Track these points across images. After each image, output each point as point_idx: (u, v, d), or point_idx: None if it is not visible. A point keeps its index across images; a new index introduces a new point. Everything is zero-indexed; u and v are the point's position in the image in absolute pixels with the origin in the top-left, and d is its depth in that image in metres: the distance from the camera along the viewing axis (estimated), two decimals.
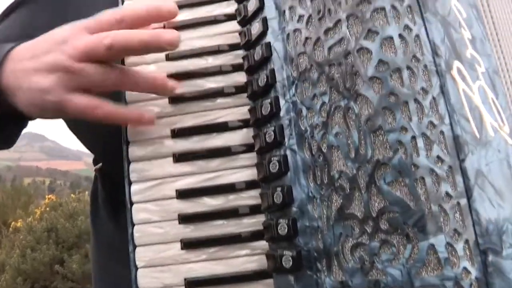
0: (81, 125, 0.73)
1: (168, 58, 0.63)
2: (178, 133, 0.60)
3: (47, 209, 7.44)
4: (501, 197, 0.42)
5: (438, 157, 0.42)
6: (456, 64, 0.45)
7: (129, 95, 0.63)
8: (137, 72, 0.59)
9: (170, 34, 0.55)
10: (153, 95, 0.62)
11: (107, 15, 0.56)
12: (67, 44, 0.55)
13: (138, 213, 0.59)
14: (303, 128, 0.50)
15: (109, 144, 0.68)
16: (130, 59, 0.63)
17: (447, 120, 0.43)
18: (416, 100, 0.43)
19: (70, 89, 0.54)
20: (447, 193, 0.41)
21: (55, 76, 0.54)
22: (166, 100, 0.61)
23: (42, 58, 0.55)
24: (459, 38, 0.46)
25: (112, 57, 0.55)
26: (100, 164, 0.80)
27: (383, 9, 0.46)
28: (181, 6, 0.64)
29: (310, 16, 0.51)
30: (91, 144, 0.76)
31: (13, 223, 8.27)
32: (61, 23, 0.72)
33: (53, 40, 0.56)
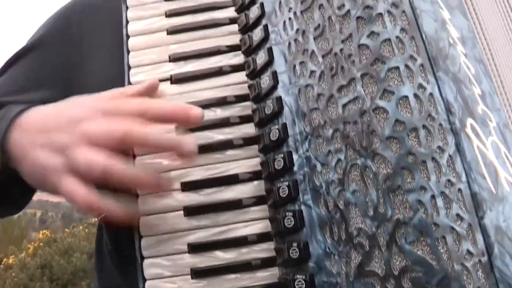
0: None
1: None
2: (188, 187, 0.61)
3: (41, 244, 7.32)
4: None
5: (458, 215, 0.43)
6: (470, 121, 0.46)
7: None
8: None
9: (190, 146, 0.55)
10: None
11: (130, 105, 0.56)
12: (80, 127, 0.54)
13: (149, 268, 0.59)
14: (318, 184, 0.51)
15: None
16: None
17: (464, 178, 0.44)
18: (433, 159, 0.44)
19: (73, 175, 0.53)
20: (468, 251, 0.42)
21: (61, 159, 0.53)
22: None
23: (51, 135, 0.55)
24: (470, 95, 0.48)
25: (123, 147, 0.55)
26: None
27: (397, 68, 0.47)
28: (187, 57, 0.66)
29: (322, 73, 0.52)
30: None
31: (4, 259, 8.07)
32: (67, 74, 0.72)
33: (66, 118, 0.55)
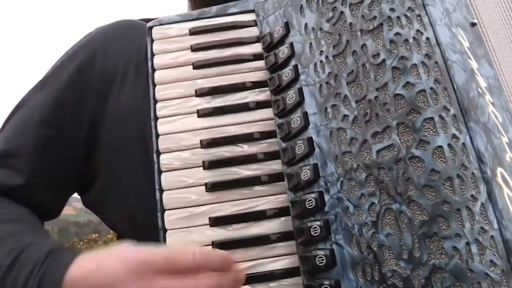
0: (110, 205, 0.74)
1: (203, 146, 0.65)
2: (216, 222, 0.63)
3: None
4: None
5: (492, 261, 0.46)
6: (499, 169, 0.49)
7: (164, 179, 0.65)
8: None
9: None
10: (189, 182, 0.64)
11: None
12: None
13: None
14: (350, 225, 0.54)
15: (137, 218, 0.70)
16: (164, 145, 0.66)
17: (496, 225, 0.47)
18: (467, 208, 0.47)
19: None
20: None
21: None
22: (203, 188, 0.64)
23: None
24: (499, 144, 0.51)
25: None
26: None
27: (432, 119, 0.50)
28: (214, 92, 0.68)
29: (355, 117, 0.55)
30: (119, 220, 0.76)
31: None
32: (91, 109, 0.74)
33: (111, 284, 0.53)
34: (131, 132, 0.73)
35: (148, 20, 0.76)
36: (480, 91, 0.53)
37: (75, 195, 0.81)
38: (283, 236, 0.61)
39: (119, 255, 0.54)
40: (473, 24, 0.57)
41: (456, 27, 0.55)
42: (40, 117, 0.75)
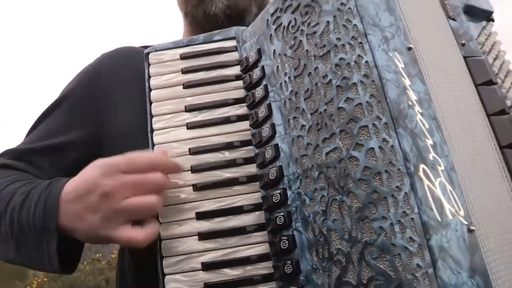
0: None
1: (191, 153, 0.80)
2: (201, 216, 0.77)
3: (45, 279, 7.42)
4: (459, 266, 0.60)
5: (411, 238, 0.60)
6: (422, 166, 0.64)
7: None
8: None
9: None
10: (179, 184, 0.79)
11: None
12: (102, 187, 0.72)
13: (169, 283, 0.76)
14: (307, 214, 0.68)
15: None
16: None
17: (416, 210, 0.61)
18: (392, 196, 0.62)
19: (115, 224, 0.72)
20: (418, 265, 0.59)
21: (100, 214, 0.72)
22: (191, 188, 0.79)
23: (85, 199, 0.73)
24: (423, 145, 0.65)
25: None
26: None
27: (366, 126, 0.65)
28: (200, 108, 0.83)
29: (310, 127, 0.70)
30: None
31: None
32: (95, 118, 0.91)
33: (90, 183, 0.73)
34: (131, 143, 0.89)
35: (146, 47, 0.92)
36: (410, 103, 0.67)
37: None
38: (258, 227, 0.76)
39: (94, 164, 0.75)
40: (409, 49, 0.72)
41: (393, 51, 0.70)
42: (53, 127, 0.96)
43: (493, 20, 0.93)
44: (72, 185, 0.76)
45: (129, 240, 0.72)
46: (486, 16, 0.92)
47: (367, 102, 0.66)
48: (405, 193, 0.62)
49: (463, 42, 0.82)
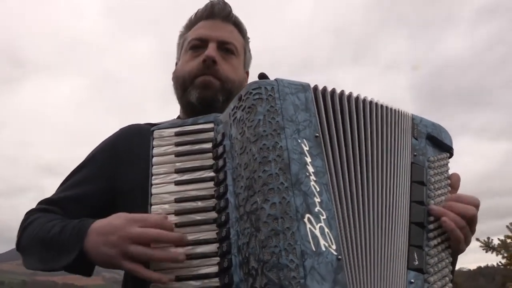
0: None
1: (176, 201, 1.28)
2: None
3: None
4: (324, 280, 1.04)
5: (292, 260, 1.05)
6: (308, 215, 1.09)
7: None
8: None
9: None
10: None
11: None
12: (122, 231, 1.21)
13: None
14: (239, 244, 1.14)
15: None
16: (154, 200, 1.30)
17: (298, 242, 1.06)
18: (283, 233, 1.07)
19: (125, 257, 1.20)
20: (294, 277, 1.04)
21: (116, 250, 1.21)
22: (173, 225, 1.26)
23: (108, 237, 1.22)
24: (312, 202, 1.10)
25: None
26: None
27: (273, 188, 1.11)
28: (185, 171, 1.31)
29: (245, 187, 1.16)
30: None
31: None
32: (110, 174, 1.44)
33: (114, 227, 1.22)
34: (137, 193, 1.39)
35: (151, 125, 1.44)
36: (307, 174, 1.13)
37: None
38: (215, 253, 1.22)
39: (118, 215, 1.25)
40: (316, 136, 1.18)
41: (302, 138, 1.16)
42: (80, 180, 1.54)
43: (452, 154, 1.48)
44: (99, 224, 1.27)
45: (133, 270, 1.20)
46: (446, 149, 1.47)
47: (276, 173, 1.12)
48: (292, 232, 1.07)
49: (415, 154, 1.35)
